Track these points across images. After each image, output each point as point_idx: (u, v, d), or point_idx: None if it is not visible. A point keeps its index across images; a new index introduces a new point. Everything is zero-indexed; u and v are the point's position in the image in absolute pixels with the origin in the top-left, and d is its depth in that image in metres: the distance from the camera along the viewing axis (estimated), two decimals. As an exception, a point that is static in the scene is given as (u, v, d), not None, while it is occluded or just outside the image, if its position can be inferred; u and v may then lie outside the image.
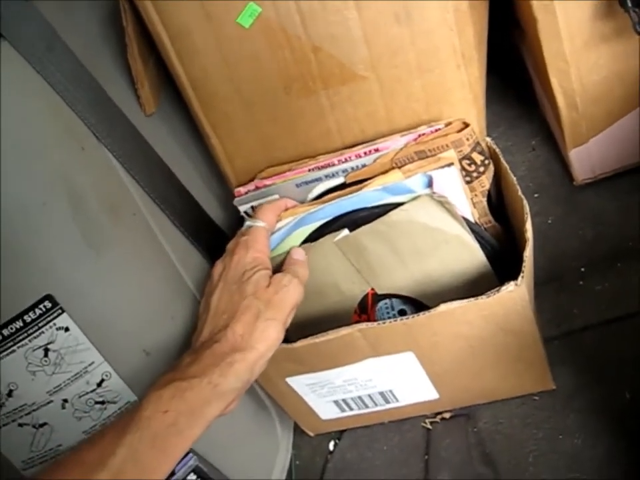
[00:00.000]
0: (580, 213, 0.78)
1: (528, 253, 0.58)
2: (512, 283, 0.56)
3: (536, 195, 0.81)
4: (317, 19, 0.62)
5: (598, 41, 0.66)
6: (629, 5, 0.60)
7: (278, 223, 0.66)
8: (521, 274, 0.56)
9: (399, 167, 0.64)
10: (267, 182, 0.69)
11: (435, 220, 0.60)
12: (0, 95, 0.51)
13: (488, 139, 0.67)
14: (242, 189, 0.70)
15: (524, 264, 0.57)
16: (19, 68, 0.53)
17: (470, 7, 0.63)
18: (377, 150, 0.65)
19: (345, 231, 0.62)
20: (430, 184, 0.61)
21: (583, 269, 0.74)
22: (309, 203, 0.66)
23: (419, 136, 0.64)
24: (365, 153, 0.65)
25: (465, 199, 0.64)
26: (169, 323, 0.64)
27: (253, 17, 0.62)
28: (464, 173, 0.64)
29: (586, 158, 0.75)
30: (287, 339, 0.60)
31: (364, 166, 0.65)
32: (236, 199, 0.70)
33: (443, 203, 0.60)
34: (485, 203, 0.66)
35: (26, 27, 0.53)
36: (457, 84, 0.66)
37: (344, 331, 0.60)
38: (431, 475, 0.69)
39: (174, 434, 0.49)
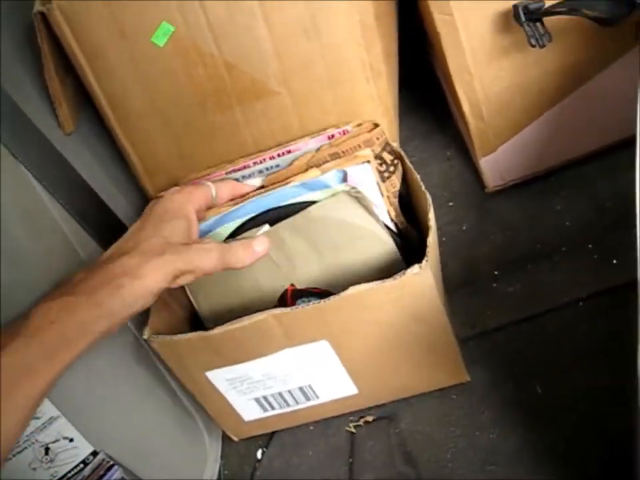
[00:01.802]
0: (492, 218, 0.81)
1: (431, 239, 0.60)
2: (416, 265, 0.58)
3: (450, 204, 0.84)
4: (229, 36, 0.64)
5: (499, 53, 0.70)
6: (523, 19, 0.63)
7: (201, 222, 0.65)
8: (425, 257, 0.58)
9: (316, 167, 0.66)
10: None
11: (352, 215, 0.63)
12: None
13: (395, 145, 0.69)
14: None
15: (428, 249, 0.59)
16: None
17: (377, 21, 0.66)
18: (289, 151, 0.68)
19: (266, 226, 0.64)
20: (345, 179, 0.63)
21: (495, 272, 0.77)
22: (229, 203, 0.67)
23: (329, 137, 0.67)
24: (279, 155, 0.68)
25: (381, 196, 0.66)
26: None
27: (166, 35, 0.64)
28: (377, 172, 0.67)
29: (495, 166, 0.79)
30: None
31: (278, 166, 0.68)
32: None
33: (360, 199, 0.62)
34: (397, 205, 0.69)
35: None
36: (367, 96, 0.69)
37: (258, 316, 0.61)
38: (355, 477, 0.70)
39: (61, 344, 0.50)
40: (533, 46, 0.64)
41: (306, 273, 0.66)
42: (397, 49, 0.76)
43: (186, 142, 0.70)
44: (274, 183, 0.67)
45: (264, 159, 0.69)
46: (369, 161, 0.65)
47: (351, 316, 0.62)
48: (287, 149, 0.69)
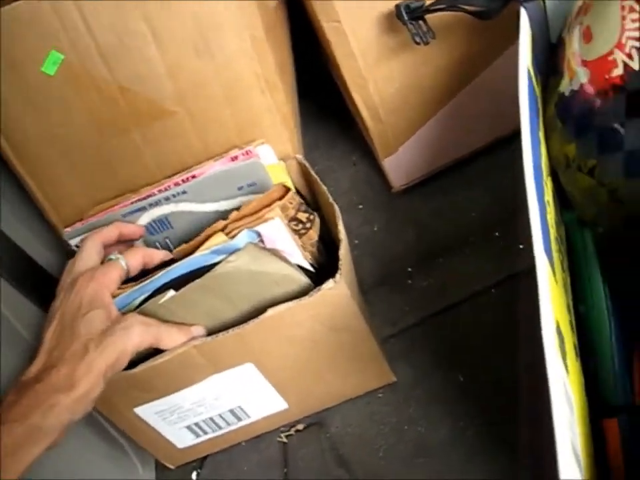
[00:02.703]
0: (401, 217, 0.83)
1: (343, 251, 0.61)
2: (331, 280, 0.59)
3: (360, 207, 0.85)
4: (120, 59, 0.64)
5: (388, 55, 0.71)
6: (405, 18, 0.65)
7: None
8: (339, 271, 0.59)
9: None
10: (93, 219, 0.69)
11: (262, 265, 0.60)
12: None
13: (298, 156, 0.70)
14: (69, 229, 0.70)
15: (340, 262, 0.60)
16: None
17: (267, 34, 0.67)
18: (194, 176, 0.68)
19: (171, 292, 0.61)
20: (259, 238, 0.63)
21: (409, 269, 0.79)
22: (136, 283, 0.64)
23: (232, 159, 0.67)
24: (183, 180, 0.68)
25: (295, 247, 0.65)
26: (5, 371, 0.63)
27: (56, 64, 0.64)
28: (291, 232, 0.66)
29: (398, 166, 0.81)
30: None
31: (184, 192, 0.68)
32: (65, 232, 0.70)
33: (267, 249, 0.61)
34: (317, 251, 0.69)
35: None
36: (264, 108, 0.69)
37: (179, 349, 0.61)
38: (290, 486, 0.71)
39: None
40: (417, 43, 0.66)
41: (223, 323, 0.64)
42: (291, 59, 0.77)
43: (87, 170, 0.69)
44: (183, 256, 0.65)
45: (169, 186, 0.69)
46: (278, 217, 0.63)
47: (272, 337, 0.63)
48: (192, 173, 0.68)
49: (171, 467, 0.76)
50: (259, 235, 0.62)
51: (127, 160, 0.69)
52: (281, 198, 0.65)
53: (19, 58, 0.63)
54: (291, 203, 0.65)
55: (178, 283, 0.61)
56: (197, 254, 0.62)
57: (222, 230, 0.64)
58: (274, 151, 0.69)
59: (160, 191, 0.68)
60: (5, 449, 0.49)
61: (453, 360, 0.71)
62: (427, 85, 0.74)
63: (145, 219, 0.69)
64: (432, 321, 0.74)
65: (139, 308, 0.61)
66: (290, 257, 0.62)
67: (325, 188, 0.67)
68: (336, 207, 0.64)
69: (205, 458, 0.76)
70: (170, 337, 0.60)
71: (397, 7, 0.66)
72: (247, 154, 0.67)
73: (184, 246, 0.65)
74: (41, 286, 0.69)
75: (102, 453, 0.71)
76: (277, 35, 0.72)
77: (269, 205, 0.64)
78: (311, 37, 0.80)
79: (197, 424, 0.70)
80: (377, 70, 0.72)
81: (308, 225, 0.67)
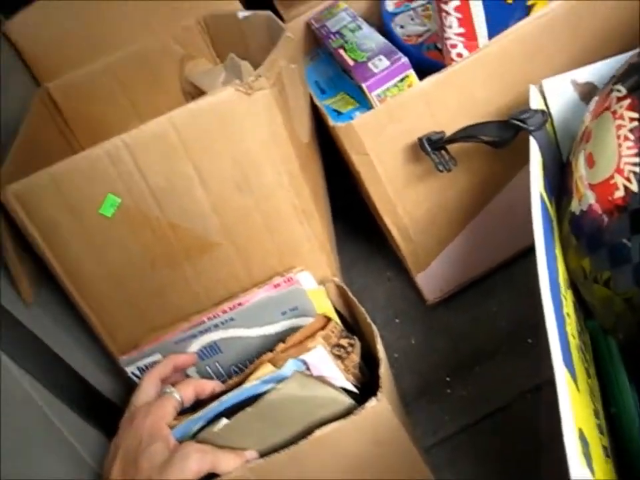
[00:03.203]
0: (436, 329, 0.87)
1: (383, 370, 0.65)
2: (373, 398, 0.63)
3: (397, 320, 0.90)
4: (170, 199, 0.70)
5: (415, 181, 0.77)
6: (428, 149, 0.71)
7: None
8: (380, 389, 0.63)
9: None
10: (147, 347, 0.75)
11: (308, 390, 0.64)
12: None
13: (336, 279, 0.75)
14: (125, 357, 0.75)
15: (381, 380, 0.64)
16: None
17: (302, 168, 0.73)
18: (240, 304, 0.73)
19: (224, 420, 0.65)
20: (305, 366, 0.66)
21: (448, 379, 0.82)
22: (191, 413, 0.68)
23: (275, 286, 0.72)
24: (231, 308, 0.73)
25: (338, 372, 0.68)
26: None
27: (114, 207, 0.70)
28: (334, 357, 0.69)
29: (431, 280, 0.85)
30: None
31: (232, 320, 0.73)
32: (121, 360, 0.75)
33: (312, 375, 0.65)
34: (359, 373, 0.72)
35: None
36: (303, 237, 0.74)
37: (235, 472, 0.64)
38: None
39: None
40: (441, 171, 0.71)
41: (273, 446, 0.66)
42: (324, 187, 0.83)
43: (140, 302, 0.75)
44: (234, 386, 0.68)
45: (217, 314, 0.74)
46: (320, 344, 0.67)
47: (321, 456, 0.65)
48: (238, 301, 0.73)
49: None
50: (304, 363, 0.66)
51: (178, 290, 0.75)
52: (323, 328, 0.70)
53: (78, 202, 0.69)
54: (333, 332, 0.70)
55: (230, 411, 0.65)
56: (247, 384, 0.66)
57: (269, 361, 0.68)
58: (313, 275, 0.74)
59: (209, 319, 0.73)
60: None
61: (496, 467, 0.73)
62: (452, 206, 0.80)
63: (196, 345, 0.74)
64: (472, 429, 0.77)
65: (194, 437, 0.65)
66: (334, 381, 0.66)
67: (362, 309, 0.71)
68: (374, 327, 0.68)
69: None
70: (226, 462, 0.63)
71: (420, 139, 0.72)
72: (289, 281, 0.72)
73: (234, 379, 0.70)
74: (102, 412, 0.74)
75: None
76: (311, 167, 0.78)
77: (312, 335, 0.69)
78: (342, 164, 0.87)
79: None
80: (404, 195, 0.78)
81: (349, 350, 0.70)
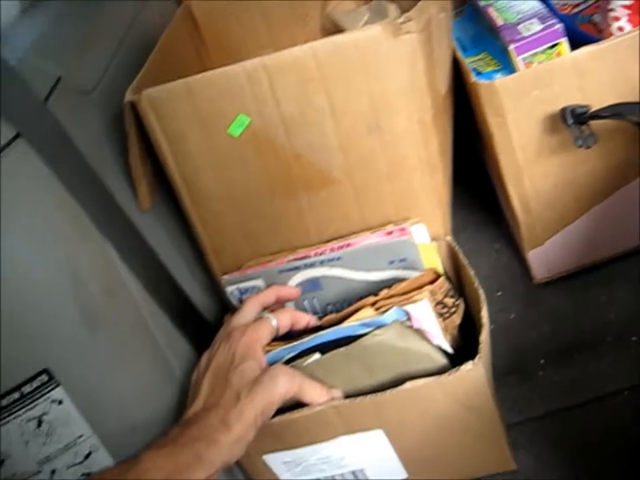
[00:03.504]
0: (539, 309, 0.84)
1: (484, 337, 0.64)
2: (470, 362, 0.62)
3: (499, 293, 0.87)
4: (298, 129, 0.70)
5: (547, 152, 0.74)
6: (569, 122, 0.68)
7: None
8: (478, 355, 0.62)
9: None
10: (250, 270, 0.75)
11: (406, 342, 0.64)
12: (16, 188, 0.59)
13: (449, 238, 0.74)
14: (228, 276, 0.76)
15: (480, 346, 0.63)
16: (33, 164, 0.60)
17: (434, 119, 0.71)
18: (349, 245, 0.72)
19: (317, 355, 0.66)
20: (406, 317, 0.65)
21: (542, 361, 0.80)
22: (284, 342, 0.69)
23: (387, 234, 0.71)
24: (339, 247, 0.72)
25: (438, 328, 0.68)
26: (156, 402, 0.69)
27: (242, 127, 0.70)
28: (437, 314, 0.68)
29: (543, 258, 0.82)
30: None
31: (339, 259, 0.72)
32: (224, 279, 0.76)
33: (412, 327, 0.65)
34: (457, 335, 0.71)
35: (40, 126, 0.60)
36: (423, 189, 0.73)
37: (318, 407, 0.65)
38: None
39: None
40: (580, 147, 0.68)
41: (359, 390, 0.67)
42: (451, 144, 0.81)
43: (252, 225, 0.75)
44: (331, 325, 0.69)
45: (324, 251, 0.73)
46: (426, 298, 0.67)
47: (406, 408, 0.65)
48: (348, 242, 0.73)
49: (286, 514, 0.79)
50: (407, 313, 0.65)
51: (290, 221, 0.75)
52: (431, 282, 0.68)
53: (209, 117, 0.69)
54: (440, 289, 0.68)
55: (323, 348, 0.65)
56: (346, 324, 0.66)
57: (372, 305, 0.68)
58: (427, 230, 0.73)
59: (316, 254, 0.73)
60: (175, 469, 0.55)
61: (575, 458, 0.71)
62: (582, 184, 0.77)
63: (298, 278, 0.74)
64: (559, 416, 0.75)
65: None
66: (432, 338, 0.65)
67: (471, 272, 0.70)
68: (481, 293, 0.67)
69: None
70: (312, 392, 0.64)
71: (563, 110, 0.69)
72: (402, 231, 0.71)
73: (332, 316, 0.69)
74: (196, 327, 0.75)
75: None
76: (443, 121, 0.76)
77: (419, 288, 0.68)
78: (470, 125, 0.84)
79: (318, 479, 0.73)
80: (534, 165, 0.75)
81: (453, 310, 0.69)
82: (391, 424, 0.67)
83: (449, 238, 0.74)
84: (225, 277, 0.76)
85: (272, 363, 0.66)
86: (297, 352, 0.67)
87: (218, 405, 0.60)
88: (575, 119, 0.68)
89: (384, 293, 0.68)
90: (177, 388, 0.70)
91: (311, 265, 0.74)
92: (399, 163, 0.71)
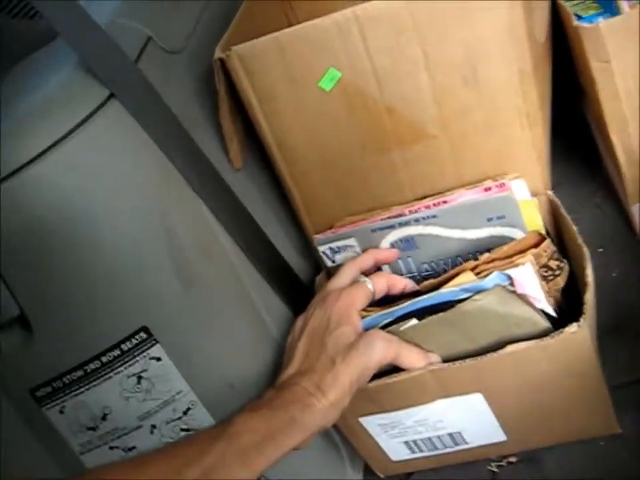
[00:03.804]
0: (643, 265, 0.81)
1: (589, 297, 0.61)
2: (574, 324, 0.59)
3: (600, 249, 0.84)
4: (391, 81, 0.68)
5: (657, 100, 0.70)
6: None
7: None
8: (583, 316, 0.59)
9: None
10: (343, 229, 0.74)
11: (507, 307, 0.62)
12: (111, 147, 0.59)
13: (550, 193, 0.71)
14: (320, 235, 0.75)
15: (585, 307, 0.60)
16: (127, 123, 0.60)
17: (534, 69, 0.67)
18: (445, 202, 0.70)
19: (414, 320, 0.64)
20: (509, 281, 0.62)
21: (647, 320, 0.77)
22: (382, 307, 0.68)
23: (485, 189, 0.69)
24: (435, 204, 0.70)
25: (542, 292, 0.64)
26: (253, 360, 0.69)
27: (333, 81, 0.69)
28: (540, 278, 0.65)
29: (648, 213, 0.78)
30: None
31: (434, 217, 0.70)
32: (316, 238, 0.75)
33: (515, 292, 0.62)
34: (560, 297, 0.69)
35: (132, 86, 0.60)
36: (522, 143, 0.70)
37: (416, 372, 0.64)
38: (497, 515, 0.71)
39: (257, 452, 0.54)
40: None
41: (457, 355, 0.65)
42: (550, 95, 0.77)
43: (344, 181, 0.74)
44: (429, 290, 0.66)
45: (420, 208, 0.71)
46: (529, 262, 0.63)
47: (507, 372, 0.64)
48: (444, 199, 0.71)
49: (381, 475, 0.79)
50: (509, 278, 0.62)
51: (383, 177, 0.73)
52: (535, 246, 0.65)
53: (299, 72, 0.68)
54: (545, 252, 0.65)
55: (421, 313, 0.64)
56: (445, 289, 0.64)
57: (472, 269, 0.65)
58: (531, 192, 0.70)
59: (410, 212, 0.71)
60: (269, 432, 0.55)
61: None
62: (694, 134, 0.72)
63: (392, 236, 0.73)
64: (667, 378, 0.72)
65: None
66: (535, 302, 0.63)
67: (575, 229, 0.67)
68: (586, 250, 0.64)
69: (411, 473, 0.78)
70: (410, 357, 0.63)
71: (676, 52, 0.65)
72: (501, 186, 0.68)
73: (431, 281, 0.67)
74: (291, 287, 0.75)
75: (319, 446, 0.76)
76: (542, 70, 0.72)
77: (522, 251, 0.65)
78: (563, 72, 0.80)
79: (414, 441, 0.72)
80: (641, 115, 0.71)
81: (557, 273, 0.66)
82: (490, 388, 0.65)
83: (549, 193, 0.71)
84: (317, 236, 0.76)
85: (368, 329, 0.65)
86: (394, 318, 0.65)
87: (312, 370, 0.60)
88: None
89: (485, 257, 0.66)
90: (274, 348, 0.70)
91: (406, 224, 0.72)
92: (496, 115, 0.69)
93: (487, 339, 0.63)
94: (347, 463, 0.78)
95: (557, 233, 0.73)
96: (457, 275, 0.65)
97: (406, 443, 0.73)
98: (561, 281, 0.67)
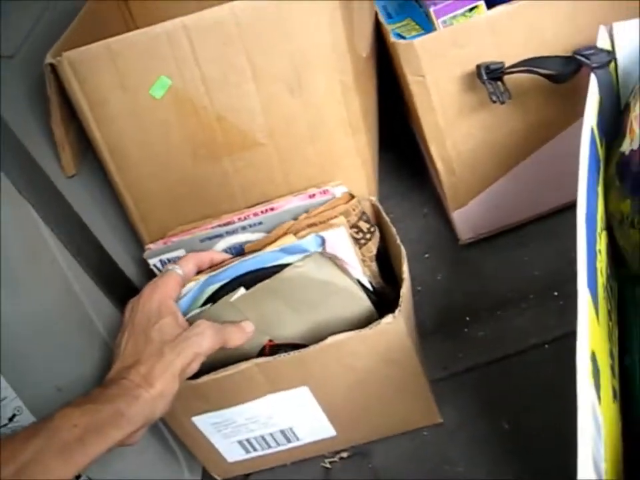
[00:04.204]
0: (464, 269, 0.86)
1: (405, 290, 0.65)
2: (390, 315, 0.63)
3: (426, 255, 0.89)
4: (220, 91, 0.70)
5: (468, 112, 0.76)
6: (484, 77, 0.70)
7: (183, 288, 0.69)
8: (398, 307, 0.63)
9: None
10: (174, 238, 0.75)
11: (325, 274, 0.66)
12: None
13: (372, 198, 0.75)
14: (152, 245, 0.76)
15: (401, 299, 0.64)
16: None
17: (356, 81, 0.72)
18: (272, 209, 0.73)
19: (242, 290, 0.67)
20: (322, 243, 0.67)
21: (467, 318, 0.82)
22: (210, 269, 0.71)
23: (310, 196, 0.72)
24: (262, 212, 0.73)
25: (355, 258, 0.70)
26: (81, 363, 0.68)
27: (164, 89, 0.70)
28: (354, 241, 0.71)
29: (467, 219, 0.84)
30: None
31: (261, 223, 0.73)
32: (145, 252, 0.76)
33: (332, 259, 0.66)
34: (375, 267, 0.73)
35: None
36: (346, 151, 0.74)
37: (243, 365, 0.65)
38: (329, 510, 0.73)
39: (79, 447, 0.53)
40: (494, 102, 0.70)
41: (283, 330, 0.69)
42: (376, 106, 0.82)
43: (177, 190, 0.75)
44: (253, 251, 0.71)
45: (248, 216, 0.74)
46: (343, 226, 0.69)
47: (330, 363, 0.66)
48: (271, 206, 0.74)
49: (218, 478, 0.79)
50: (323, 240, 0.67)
51: (215, 185, 0.75)
52: (345, 203, 0.70)
53: (131, 79, 0.69)
54: (354, 210, 0.70)
55: (246, 282, 0.67)
56: (267, 250, 0.68)
57: (290, 229, 0.70)
58: (350, 191, 0.74)
59: (239, 219, 0.74)
60: (92, 426, 0.54)
61: (499, 408, 0.73)
62: (502, 145, 0.78)
63: (221, 245, 0.75)
64: (483, 370, 0.77)
65: (209, 305, 0.68)
66: (350, 269, 0.67)
67: (394, 230, 0.71)
68: (402, 248, 0.68)
69: (248, 475, 0.80)
70: (234, 337, 0.65)
71: (478, 67, 0.71)
72: (324, 193, 0.72)
73: (253, 244, 0.71)
74: (122, 291, 0.75)
75: (154, 452, 0.75)
76: (365, 83, 0.77)
77: (335, 216, 0.70)
78: (395, 93, 0.86)
79: (248, 440, 0.74)
80: (455, 126, 0.77)
81: (368, 236, 0.71)
82: (315, 380, 0.68)
83: (372, 198, 0.75)
84: (149, 246, 0.76)
85: (197, 298, 0.68)
86: (221, 282, 0.68)
87: (139, 362, 0.60)
88: (490, 75, 0.70)
89: (303, 217, 0.70)
90: (103, 350, 0.70)
91: (234, 232, 0.74)
92: (320, 124, 0.72)
93: (311, 309, 0.66)
94: (185, 468, 0.79)
95: (381, 237, 0.77)
96: (277, 239, 0.69)
97: (240, 442, 0.74)
98: (372, 247, 0.71)
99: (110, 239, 0.77)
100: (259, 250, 0.69)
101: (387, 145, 0.90)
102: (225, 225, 0.74)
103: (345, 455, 0.76)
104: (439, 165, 0.80)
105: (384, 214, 0.73)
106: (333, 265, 0.65)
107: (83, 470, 0.54)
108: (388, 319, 0.63)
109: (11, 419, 0.65)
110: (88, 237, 0.73)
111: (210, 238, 0.74)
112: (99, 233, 0.75)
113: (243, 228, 0.74)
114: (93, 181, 0.79)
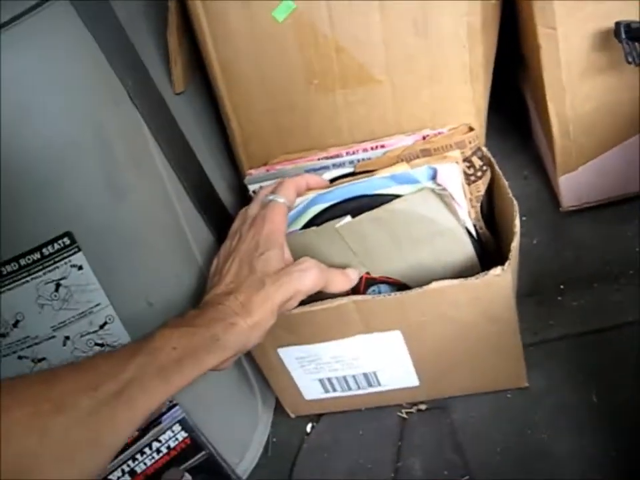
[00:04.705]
0: (563, 236, 0.84)
1: (515, 244, 0.63)
2: (499, 267, 0.61)
3: (524, 218, 0.86)
4: (344, 19, 0.68)
5: (594, 71, 0.72)
6: (623, 36, 0.66)
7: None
8: (508, 261, 0.61)
9: (407, 162, 0.69)
10: (277, 166, 0.74)
11: (433, 212, 0.64)
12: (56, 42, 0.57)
13: (484, 148, 0.72)
14: (253, 171, 0.75)
15: (511, 253, 0.62)
16: (74, 25, 0.58)
17: (482, 26, 0.69)
18: (382, 146, 0.71)
19: (348, 217, 0.66)
20: (434, 176, 0.65)
21: (562, 287, 0.79)
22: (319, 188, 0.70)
23: (423, 137, 0.70)
24: (372, 148, 0.71)
25: (464, 197, 0.68)
26: (174, 280, 0.68)
27: (287, 12, 0.68)
28: (465, 176, 0.69)
29: (574, 185, 0.81)
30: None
31: (369, 159, 0.71)
32: (246, 178, 0.75)
33: (443, 197, 0.64)
34: (479, 209, 0.71)
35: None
36: (463, 97, 0.72)
37: (339, 301, 0.64)
38: (402, 459, 0.72)
39: (176, 370, 0.53)
40: (629, 63, 0.66)
41: (382, 264, 0.68)
42: (494, 55, 0.79)
43: (285, 116, 0.74)
44: (363, 172, 0.69)
45: (356, 150, 0.72)
46: (457, 162, 0.67)
47: (427, 310, 0.65)
48: (381, 143, 0.72)
49: (292, 414, 0.79)
50: (435, 173, 0.65)
51: (324, 117, 0.73)
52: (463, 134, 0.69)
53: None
54: (470, 143, 0.68)
55: (353, 209, 0.66)
56: (377, 175, 0.66)
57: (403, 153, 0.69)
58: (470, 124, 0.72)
59: (347, 154, 0.72)
60: (189, 349, 0.54)
61: (588, 381, 0.71)
62: (623, 111, 0.74)
63: (326, 177, 0.72)
64: (575, 340, 0.74)
65: (313, 227, 0.67)
66: (457, 207, 0.65)
67: (506, 183, 0.69)
68: (514, 202, 0.66)
69: (321, 414, 0.79)
70: (336, 283, 0.64)
71: (617, 24, 0.67)
72: (438, 135, 0.70)
73: (366, 163, 0.69)
74: (220, 218, 0.74)
75: (232, 380, 0.75)
76: (490, 29, 0.73)
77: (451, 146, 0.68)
78: (505, 52, 0.82)
79: (329, 379, 0.73)
80: (578, 85, 0.73)
81: (479, 174, 0.69)
82: (409, 325, 0.66)
83: (484, 148, 0.73)
84: (250, 171, 0.75)
85: (301, 215, 0.68)
86: (327, 203, 0.68)
87: (238, 290, 0.60)
88: (628, 34, 0.66)
89: (418, 144, 0.69)
90: (197, 274, 0.70)
91: (341, 165, 0.72)
92: (441, 66, 0.70)
93: (412, 246, 0.65)
94: (259, 400, 0.78)
95: (489, 188, 0.74)
96: (390, 164, 0.68)
97: (320, 380, 0.73)
98: (482, 186, 0.70)
99: (209, 163, 0.76)
100: (370, 171, 0.68)
101: (491, 102, 0.87)
102: (332, 157, 0.72)
103: (422, 407, 0.75)
104: (554, 124, 0.77)
105: (496, 167, 0.71)
106: (442, 204, 0.64)
107: (176, 393, 0.53)
108: (497, 270, 0.61)
109: (101, 327, 0.65)
110: (191, 156, 0.72)
111: (315, 169, 0.72)
112: (199, 155, 0.73)
113: (351, 162, 0.72)
114: (199, 102, 0.78)
